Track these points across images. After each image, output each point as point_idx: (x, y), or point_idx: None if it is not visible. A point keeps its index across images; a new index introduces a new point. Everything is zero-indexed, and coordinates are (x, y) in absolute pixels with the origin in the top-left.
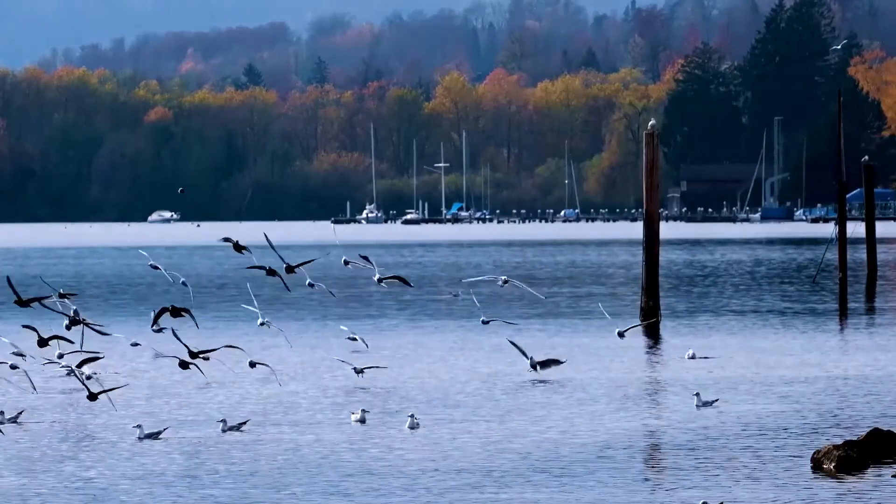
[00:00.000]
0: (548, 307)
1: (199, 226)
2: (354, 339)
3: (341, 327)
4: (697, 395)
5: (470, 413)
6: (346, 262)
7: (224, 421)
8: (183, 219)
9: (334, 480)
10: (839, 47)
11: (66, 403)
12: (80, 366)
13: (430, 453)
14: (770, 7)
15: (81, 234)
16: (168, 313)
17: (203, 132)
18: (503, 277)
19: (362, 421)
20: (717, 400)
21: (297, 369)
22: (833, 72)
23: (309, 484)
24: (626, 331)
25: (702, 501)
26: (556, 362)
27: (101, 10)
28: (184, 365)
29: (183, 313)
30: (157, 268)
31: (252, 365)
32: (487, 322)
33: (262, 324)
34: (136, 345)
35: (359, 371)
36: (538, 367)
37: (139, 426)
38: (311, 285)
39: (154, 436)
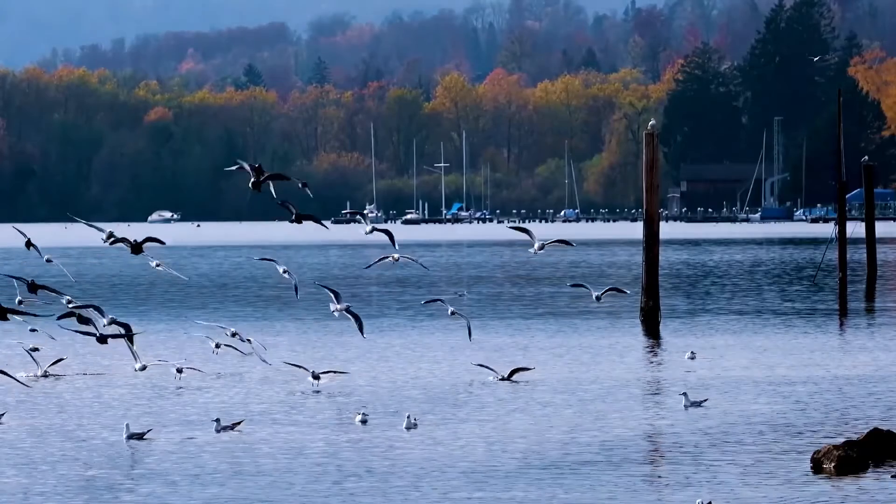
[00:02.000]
0: (548, 307)
1: (199, 226)
2: (234, 337)
3: (219, 326)
4: (685, 394)
5: (472, 413)
6: (373, 230)
7: (218, 420)
8: (183, 219)
9: (338, 480)
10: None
11: (65, 402)
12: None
13: (431, 453)
14: (770, 7)
15: (82, 234)
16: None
17: (203, 132)
18: (539, 242)
19: (365, 422)
20: (705, 400)
21: (298, 370)
22: (833, 72)
23: (313, 483)
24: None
25: (698, 501)
26: (525, 369)
27: (101, 10)
28: (102, 340)
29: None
30: None
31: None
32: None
33: (345, 309)
34: (34, 330)
35: (316, 376)
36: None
37: (126, 425)
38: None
39: (138, 436)
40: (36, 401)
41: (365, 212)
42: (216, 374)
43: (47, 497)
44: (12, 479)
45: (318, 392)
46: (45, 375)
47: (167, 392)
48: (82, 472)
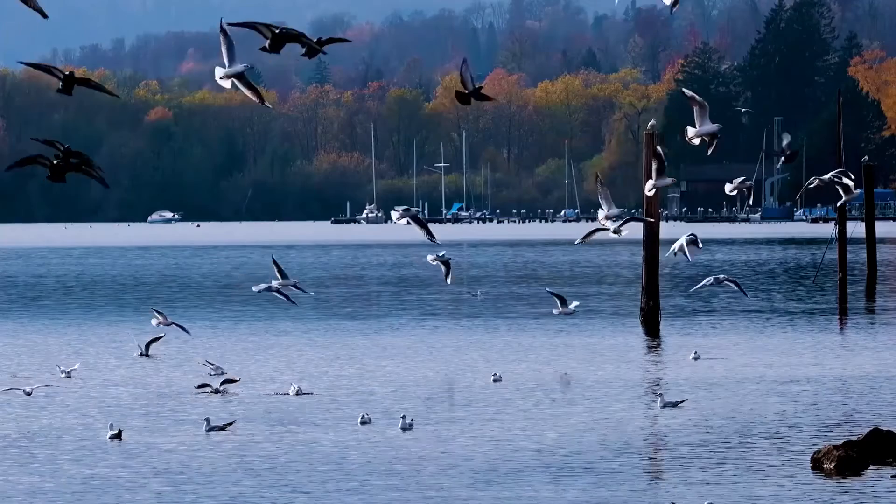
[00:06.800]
0: (549, 307)
1: (199, 226)
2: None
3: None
4: (661, 395)
5: (474, 413)
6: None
7: (207, 420)
8: (183, 219)
9: (339, 480)
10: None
11: (67, 402)
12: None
13: (432, 453)
14: (770, 7)
15: (81, 234)
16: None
17: (203, 132)
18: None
19: (367, 422)
20: (683, 401)
21: (301, 369)
22: (833, 72)
23: (313, 484)
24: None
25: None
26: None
27: (101, 10)
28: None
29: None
30: None
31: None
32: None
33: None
34: None
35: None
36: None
37: (111, 424)
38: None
39: (116, 436)
40: (37, 400)
41: (364, 212)
42: (217, 375)
43: (50, 496)
44: (16, 478)
45: (318, 392)
46: (69, 375)
47: (179, 392)
48: (85, 472)
